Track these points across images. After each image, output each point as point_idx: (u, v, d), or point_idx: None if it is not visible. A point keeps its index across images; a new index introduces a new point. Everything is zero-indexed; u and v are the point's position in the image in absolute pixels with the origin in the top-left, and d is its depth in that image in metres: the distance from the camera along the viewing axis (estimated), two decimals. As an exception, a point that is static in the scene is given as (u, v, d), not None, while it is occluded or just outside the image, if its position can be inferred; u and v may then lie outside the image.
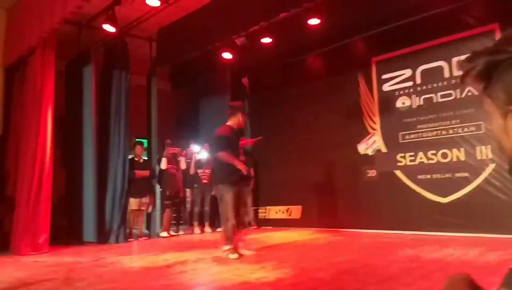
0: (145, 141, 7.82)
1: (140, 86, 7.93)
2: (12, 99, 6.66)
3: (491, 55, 0.67)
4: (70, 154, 7.01)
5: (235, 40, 7.03)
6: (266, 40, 6.95)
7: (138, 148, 7.24)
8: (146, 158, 7.51)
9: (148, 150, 7.64)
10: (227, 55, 7.49)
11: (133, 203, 6.98)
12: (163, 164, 7.33)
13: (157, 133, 7.70)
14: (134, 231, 7.24)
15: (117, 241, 6.51)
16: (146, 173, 7.18)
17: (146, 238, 7.08)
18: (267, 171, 8.34)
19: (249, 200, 8.07)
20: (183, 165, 7.57)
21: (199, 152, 7.91)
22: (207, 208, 7.86)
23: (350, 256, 4.48)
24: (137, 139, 7.52)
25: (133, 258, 5.13)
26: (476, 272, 3.13)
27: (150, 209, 7.33)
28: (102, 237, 6.43)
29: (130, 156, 7.18)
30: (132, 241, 6.83)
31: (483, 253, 4.22)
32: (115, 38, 6.84)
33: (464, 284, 0.80)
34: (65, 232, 6.65)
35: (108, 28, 6.29)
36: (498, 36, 5.51)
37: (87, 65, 6.79)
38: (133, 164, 7.08)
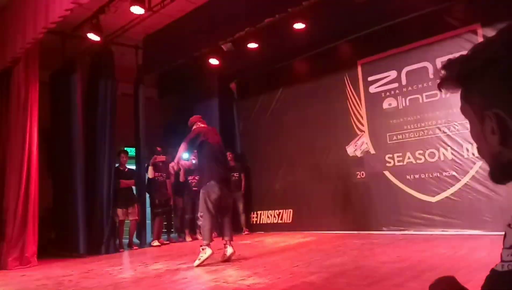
0: (133, 149, 7.75)
1: (127, 94, 7.87)
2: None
3: (466, 62, 0.68)
4: (56, 166, 6.92)
5: (222, 46, 7.05)
6: (252, 45, 6.97)
7: (122, 157, 7.15)
8: (131, 167, 7.43)
9: (137, 159, 7.57)
10: (214, 61, 7.49)
11: (120, 213, 6.89)
12: (150, 173, 7.28)
13: (145, 141, 7.64)
14: (124, 241, 7.16)
15: (107, 252, 6.43)
16: (131, 182, 7.09)
17: (137, 248, 6.99)
18: (257, 176, 8.34)
19: (241, 206, 8.07)
20: (150, 174, 7.43)
21: (188, 158, 7.86)
22: (188, 216, 7.80)
23: (341, 259, 4.49)
24: (125, 148, 7.45)
25: (123, 268, 5.06)
26: (466, 269, 3.14)
27: (138, 218, 7.22)
28: (92, 248, 6.34)
29: (116, 165, 7.12)
30: (122, 251, 6.74)
31: (473, 251, 4.26)
32: (100, 47, 6.80)
33: (449, 286, 0.81)
34: (54, 244, 6.55)
35: (93, 37, 6.26)
36: (480, 35, 5.61)
37: (72, 75, 6.73)
38: (118, 173, 6.99)
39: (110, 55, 7.05)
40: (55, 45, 6.83)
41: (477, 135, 0.70)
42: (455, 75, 0.69)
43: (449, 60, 0.70)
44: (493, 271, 0.61)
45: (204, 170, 4.91)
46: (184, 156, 7.85)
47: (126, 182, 6.99)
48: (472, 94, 0.69)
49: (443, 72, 0.71)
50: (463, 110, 0.73)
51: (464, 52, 0.69)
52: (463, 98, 0.72)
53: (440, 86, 0.74)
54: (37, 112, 5.89)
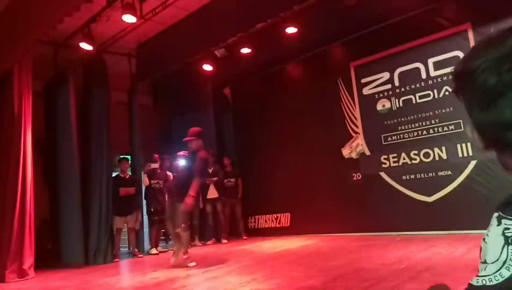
0: (129, 157, 7.73)
1: (121, 102, 7.86)
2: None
3: (453, 77, 0.68)
4: (52, 176, 6.88)
5: (215, 52, 7.06)
6: (246, 50, 6.99)
7: (123, 164, 7.13)
8: (131, 174, 7.41)
9: (132, 167, 7.55)
10: (207, 67, 7.51)
11: (118, 221, 6.85)
12: (144, 180, 7.26)
13: (141, 149, 7.63)
14: (124, 249, 7.12)
15: (104, 262, 6.38)
16: (131, 190, 7.06)
17: (141, 256, 6.93)
18: (254, 181, 8.32)
19: (238, 211, 8.05)
20: (145, 182, 7.42)
21: (185, 165, 7.84)
22: (195, 221, 7.79)
23: (339, 262, 4.49)
24: (121, 156, 7.43)
25: (121, 278, 5.04)
26: (462, 269, 3.14)
27: (137, 226, 7.20)
28: (89, 258, 6.30)
29: (115, 173, 7.09)
30: (117, 260, 6.69)
31: (470, 250, 4.27)
32: (93, 56, 6.79)
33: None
34: (51, 256, 6.50)
35: (85, 46, 6.25)
36: (471, 35, 5.65)
37: (65, 85, 6.70)
38: (119, 181, 6.98)
39: (103, 64, 7.03)
40: (47, 55, 6.81)
41: (470, 135, 0.70)
42: (454, 88, 0.69)
43: (452, 72, 0.69)
44: (470, 285, 0.62)
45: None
46: (182, 163, 7.86)
47: (126, 190, 6.96)
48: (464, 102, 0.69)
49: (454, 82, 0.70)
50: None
51: (458, 53, 0.67)
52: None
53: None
54: (30, 123, 5.86)
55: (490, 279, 0.60)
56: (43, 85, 7.07)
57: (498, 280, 0.59)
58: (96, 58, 6.91)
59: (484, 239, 0.64)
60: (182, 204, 5.00)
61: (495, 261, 0.60)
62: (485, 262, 0.62)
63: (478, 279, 0.61)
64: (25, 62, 5.84)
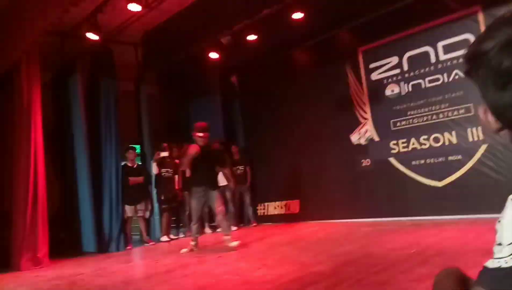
0: (138, 146, 7.79)
1: (128, 92, 7.88)
2: (0, 114, 6.60)
3: (466, 57, 0.67)
4: (63, 166, 6.97)
5: (221, 40, 7.02)
6: (252, 37, 6.94)
7: (130, 153, 7.18)
8: (140, 163, 7.47)
9: (141, 156, 7.61)
10: (214, 55, 7.47)
11: (128, 210, 6.94)
12: (154, 169, 7.31)
13: (149, 138, 7.68)
14: (135, 237, 7.22)
15: (117, 250, 6.50)
16: (140, 179, 7.12)
17: (153, 243, 7.03)
18: (263, 168, 8.34)
19: (247, 198, 8.10)
20: (154, 170, 7.47)
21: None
22: (205, 209, 7.86)
23: (349, 247, 4.51)
24: (129, 146, 7.48)
25: (134, 265, 5.12)
26: (473, 254, 3.14)
27: (147, 215, 7.29)
28: (102, 246, 6.41)
29: (123, 163, 7.15)
30: (129, 248, 6.79)
31: (480, 235, 4.26)
32: (99, 46, 6.79)
33: (454, 278, 0.82)
34: (65, 244, 6.61)
35: (92, 36, 6.25)
36: (481, 18, 5.54)
37: (73, 75, 6.75)
38: (127, 170, 7.04)
39: (110, 54, 7.05)
40: (54, 46, 6.83)
41: (483, 118, 0.69)
42: (465, 69, 0.68)
43: (464, 54, 0.68)
44: (485, 267, 0.62)
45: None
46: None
47: (134, 179, 7.03)
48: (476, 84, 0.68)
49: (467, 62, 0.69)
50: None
51: (468, 36, 0.67)
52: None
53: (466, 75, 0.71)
54: (40, 113, 5.91)
55: (506, 261, 0.60)
56: (51, 75, 7.11)
57: None
58: (102, 48, 6.91)
59: (499, 221, 0.64)
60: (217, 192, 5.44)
61: (511, 243, 0.60)
62: (500, 244, 0.62)
63: (493, 261, 0.61)
64: (33, 53, 5.87)
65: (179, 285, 3.59)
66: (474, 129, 5.64)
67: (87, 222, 6.42)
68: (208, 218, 7.89)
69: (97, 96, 6.92)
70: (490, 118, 0.64)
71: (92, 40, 6.34)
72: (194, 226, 5.56)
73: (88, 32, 6.22)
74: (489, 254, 0.65)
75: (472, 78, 0.67)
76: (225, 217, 5.60)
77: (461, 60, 0.69)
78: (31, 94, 5.83)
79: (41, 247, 5.62)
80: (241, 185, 7.95)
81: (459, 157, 5.81)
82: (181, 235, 7.67)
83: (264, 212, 8.45)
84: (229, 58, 7.67)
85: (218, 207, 5.32)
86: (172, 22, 6.90)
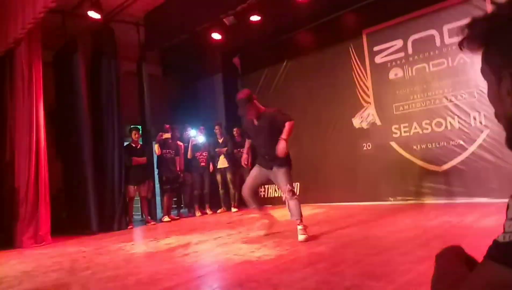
0: (139, 127, 7.78)
1: (130, 72, 7.84)
2: (1, 93, 6.58)
3: (489, 19, 0.65)
4: (65, 145, 6.98)
5: (224, 20, 6.94)
6: (255, 18, 6.86)
7: (134, 134, 7.19)
8: (142, 144, 7.49)
9: (143, 136, 7.62)
10: (216, 36, 7.40)
11: (130, 190, 6.99)
12: (156, 150, 7.34)
13: (151, 119, 7.67)
14: (137, 217, 7.29)
15: (119, 229, 6.57)
16: (143, 160, 7.16)
17: (154, 223, 7.10)
18: (263, 150, 8.33)
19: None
20: (157, 151, 7.40)
21: (196, 136, 7.90)
22: (206, 191, 7.92)
23: (349, 230, 4.55)
24: (132, 126, 7.49)
25: (135, 244, 5.18)
26: (472, 237, 3.16)
27: (149, 195, 7.36)
28: (104, 225, 6.47)
29: (126, 143, 7.17)
30: (131, 227, 6.87)
31: (480, 219, 4.29)
32: (101, 25, 6.72)
33: (455, 256, 0.82)
34: (67, 224, 6.68)
35: (93, 15, 6.19)
36: (487, 1, 5.45)
37: (74, 54, 6.69)
38: (130, 151, 7.07)
39: (111, 33, 6.98)
40: (56, 24, 6.76)
41: (494, 97, 0.68)
42: (478, 33, 0.66)
43: (473, 18, 0.67)
44: (495, 242, 0.61)
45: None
46: (192, 133, 7.91)
47: (137, 159, 7.06)
48: (492, 53, 0.66)
49: (466, 30, 0.68)
50: (482, 71, 0.70)
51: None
52: (483, 58, 0.69)
53: (461, 45, 0.71)
54: (42, 92, 5.89)
55: None
56: (52, 54, 7.06)
57: None
58: (104, 27, 6.84)
59: (511, 197, 0.63)
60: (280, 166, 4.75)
61: None
62: (511, 219, 0.61)
63: (504, 235, 0.60)
64: (34, 32, 5.81)
65: (179, 263, 3.64)
66: (476, 114, 5.62)
67: (89, 202, 6.46)
68: (208, 199, 7.95)
69: (98, 75, 6.89)
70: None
71: (94, 19, 6.28)
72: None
73: (90, 10, 6.15)
74: (490, 237, 0.64)
75: (488, 45, 0.65)
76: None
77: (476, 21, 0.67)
78: (32, 73, 5.80)
79: (43, 225, 5.68)
80: (242, 167, 7.96)
81: (461, 142, 5.80)
82: (182, 216, 7.73)
83: (264, 194, 8.50)
84: (232, 39, 7.60)
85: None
86: (174, 1, 6.81)
